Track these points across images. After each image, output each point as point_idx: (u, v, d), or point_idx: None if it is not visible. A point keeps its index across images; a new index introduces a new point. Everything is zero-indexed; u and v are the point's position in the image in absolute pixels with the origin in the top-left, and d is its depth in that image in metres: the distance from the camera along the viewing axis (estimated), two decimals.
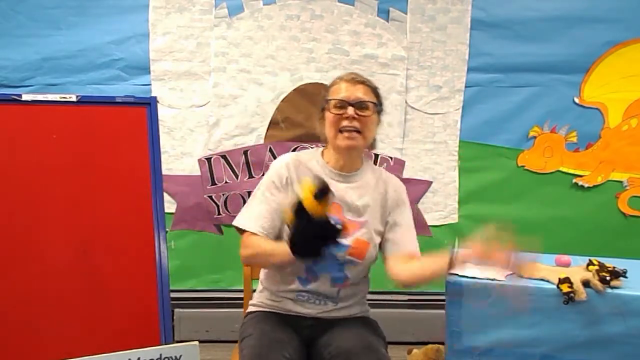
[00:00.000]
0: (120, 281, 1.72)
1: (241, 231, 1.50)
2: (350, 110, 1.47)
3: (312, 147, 1.66)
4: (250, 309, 1.63)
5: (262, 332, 1.47)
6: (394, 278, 1.51)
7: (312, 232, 1.25)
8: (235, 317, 1.68)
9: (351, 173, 1.55)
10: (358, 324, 1.54)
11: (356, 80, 1.52)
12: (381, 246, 1.57)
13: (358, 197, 1.53)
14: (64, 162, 1.71)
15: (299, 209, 1.23)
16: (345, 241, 1.44)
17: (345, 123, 1.47)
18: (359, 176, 1.56)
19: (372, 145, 1.61)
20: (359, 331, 1.50)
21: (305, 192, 1.23)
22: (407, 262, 1.51)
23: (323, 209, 1.23)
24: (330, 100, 1.50)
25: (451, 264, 1.37)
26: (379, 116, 1.56)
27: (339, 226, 1.26)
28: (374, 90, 1.55)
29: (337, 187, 1.51)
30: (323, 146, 1.61)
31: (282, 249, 1.34)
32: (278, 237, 1.49)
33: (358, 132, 1.48)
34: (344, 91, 1.50)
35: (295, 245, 1.29)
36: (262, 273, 1.64)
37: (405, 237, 1.56)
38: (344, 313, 1.57)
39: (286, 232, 1.36)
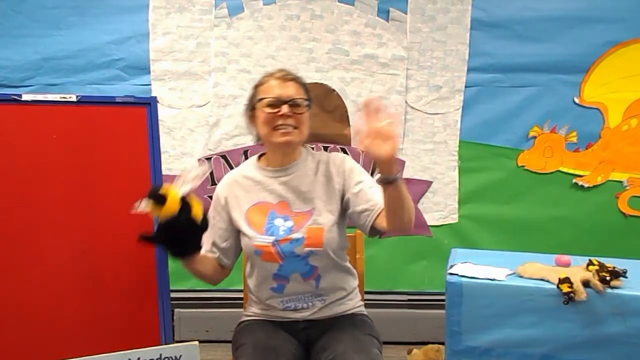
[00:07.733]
0: (120, 281, 1.71)
1: None
2: (285, 108, 1.44)
3: (311, 147, 1.65)
4: (243, 318, 1.63)
5: (256, 340, 1.47)
6: (389, 232, 1.42)
7: (170, 231, 1.37)
8: (235, 317, 1.68)
9: (289, 165, 1.53)
10: (351, 325, 1.53)
11: (287, 77, 1.49)
12: (357, 221, 1.48)
13: (299, 187, 1.51)
14: (64, 162, 1.70)
15: (159, 223, 1.36)
16: (298, 234, 1.46)
17: (280, 122, 1.44)
18: (298, 166, 1.54)
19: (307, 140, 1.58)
20: (352, 333, 1.49)
21: (149, 208, 1.32)
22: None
23: (170, 208, 1.32)
24: (263, 98, 1.47)
25: (381, 168, 1.26)
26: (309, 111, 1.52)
27: (194, 216, 1.37)
28: (304, 87, 1.52)
29: (275, 185, 1.52)
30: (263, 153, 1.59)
31: None
32: (235, 253, 1.59)
33: (294, 127, 1.46)
34: (276, 89, 1.47)
35: (166, 249, 1.44)
36: (249, 286, 1.63)
37: (372, 199, 1.44)
38: (336, 310, 1.56)
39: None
